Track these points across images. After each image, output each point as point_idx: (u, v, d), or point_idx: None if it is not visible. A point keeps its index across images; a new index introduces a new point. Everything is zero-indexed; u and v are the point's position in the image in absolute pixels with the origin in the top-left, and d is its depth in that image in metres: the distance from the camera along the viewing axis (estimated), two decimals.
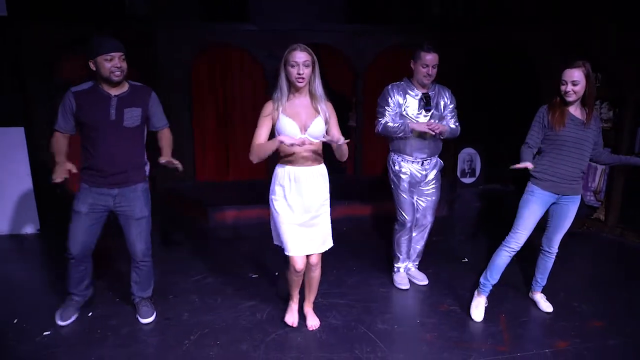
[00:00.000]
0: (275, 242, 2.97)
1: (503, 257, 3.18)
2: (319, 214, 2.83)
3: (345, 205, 5.25)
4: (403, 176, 3.49)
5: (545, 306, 3.38)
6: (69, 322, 3.10)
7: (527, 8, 5.52)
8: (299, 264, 2.83)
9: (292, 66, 2.63)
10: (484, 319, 3.23)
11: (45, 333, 3.00)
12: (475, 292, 3.34)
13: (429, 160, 3.50)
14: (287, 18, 5.90)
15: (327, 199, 2.89)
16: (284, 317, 3.18)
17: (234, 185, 6.24)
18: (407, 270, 3.86)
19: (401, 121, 3.33)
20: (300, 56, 2.62)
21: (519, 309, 3.40)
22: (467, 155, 6.72)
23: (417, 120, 3.37)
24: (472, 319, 3.23)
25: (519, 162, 3.03)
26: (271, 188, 2.85)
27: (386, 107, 3.37)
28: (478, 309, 3.26)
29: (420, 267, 3.90)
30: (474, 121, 4.56)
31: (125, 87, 2.89)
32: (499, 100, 6.11)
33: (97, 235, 3.03)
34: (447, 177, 6.53)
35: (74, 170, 2.78)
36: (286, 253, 2.84)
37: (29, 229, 4.91)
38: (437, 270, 3.98)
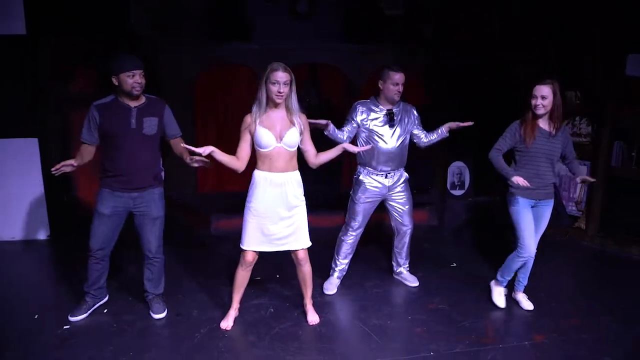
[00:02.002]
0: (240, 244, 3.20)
1: (517, 264, 3.52)
2: (292, 215, 3.11)
3: (343, 216, 5.54)
4: (363, 187, 3.77)
5: (527, 305, 3.67)
6: (77, 319, 3.35)
7: (512, 29, 5.94)
8: (250, 257, 3.14)
9: (273, 84, 2.94)
10: (469, 315, 3.52)
11: (65, 327, 3.26)
12: (493, 283, 3.69)
13: (392, 174, 3.79)
14: (287, 38, 6.24)
15: (303, 201, 3.18)
16: (286, 314, 3.47)
17: (233, 196, 6.50)
18: (399, 273, 4.15)
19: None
20: (282, 76, 2.94)
21: (503, 308, 3.67)
22: (457, 169, 7.03)
23: (381, 134, 3.67)
24: (497, 307, 3.62)
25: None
26: (249, 190, 3.13)
27: (350, 120, 3.70)
28: (501, 296, 3.65)
29: (411, 271, 4.18)
30: (463, 135, 4.85)
31: (142, 100, 3.21)
32: (487, 116, 6.47)
33: (116, 235, 3.32)
34: (437, 189, 6.86)
35: (74, 164, 3.10)
36: (241, 246, 3.13)
37: (40, 235, 5.15)
38: (427, 274, 4.25)
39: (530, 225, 3.43)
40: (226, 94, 6.39)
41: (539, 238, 3.56)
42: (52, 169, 3.08)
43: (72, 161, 3.10)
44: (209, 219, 5.54)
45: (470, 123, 3.56)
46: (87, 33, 5.38)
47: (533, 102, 3.28)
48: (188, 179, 6.49)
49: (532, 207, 3.46)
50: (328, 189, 6.44)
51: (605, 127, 5.19)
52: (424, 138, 3.80)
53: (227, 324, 3.29)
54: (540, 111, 3.28)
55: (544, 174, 3.36)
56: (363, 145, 3.68)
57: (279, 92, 2.94)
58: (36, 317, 3.39)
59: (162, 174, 3.38)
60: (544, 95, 3.25)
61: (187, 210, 6.00)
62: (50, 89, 5.40)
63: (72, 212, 5.66)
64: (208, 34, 6.33)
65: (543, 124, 3.35)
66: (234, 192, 6.59)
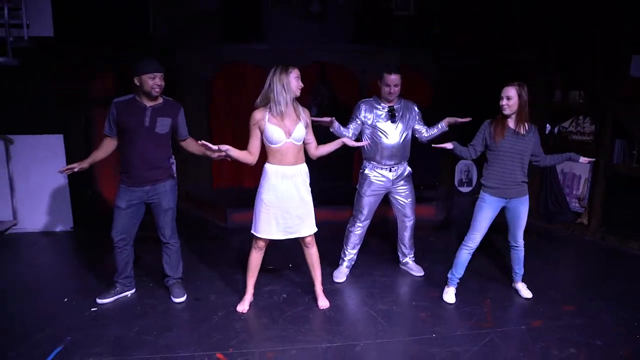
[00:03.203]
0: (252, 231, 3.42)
1: (464, 255, 3.71)
2: (302, 205, 3.34)
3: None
4: (368, 180, 3.98)
5: (526, 293, 3.85)
6: (105, 301, 3.61)
7: (512, 29, 6.11)
8: (263, 242, 3.39)
9: (297, 79, 3.21)
10: (471, 302, 3.72)
11: (92, 309, 3.52)
12: (446, 285, 3.83)
13: (396, 167, 4.00)
14: (299, 39, 6.48)
15: (309, 191, 3.41)
16: (298, 299, 3.70)
17: (245, 192, 6.76)
18: (405, 264, 4.36)
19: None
20: (299, 73, 3.24)
21: (502, 296, 3.86)
22: (464, 166, 7.20)
23: (384, 130, 3.88)
24: (447, 303, 3.73)
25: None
26: (261, 183, 3.36)
27: (355, 118, 3.93)
28: (449, 294, 3.77)
29: (417, 262, 4.38)
30: (470, 133, 5.02)
31: (159, 100, 3.46)
32: (490, 116, 6.64)
33: (136, 225, 3.59)
34: (445, 186, 7.05)
35: (75, 169, 3.36)
36: (255, 233, 3.35)
37: (63, 227, 5.45)
38: (432, 265, 4.45)
39: (485, 221, 3.61)
40: (240, 93, 6.63)
41: (522, 232, 3.73)
42: (58, 170, 3.41)
43: (75, 165, 3.37)
44: (225, 213, 5.79)
45: (468, 119, 3.76)
46: (108, 37, 5.65)
47: (500, 102, 3.47)
48: (204, 176, 6.76)
49: (504, 207, 3.64)
50: (340, 184, 6.67)
51: (607, 126, 5.34)
52: (425, 133, 4.00)
53: (243, 307, 3.52)
54: (506, 111, 3.47)
55: (514, 172, 3.52)
56: (367, 142, 3.89)
57: (302, 86, 3.25)
58: (65, 300, 3.66)
59: (174, 166, 3.63)
60: (509, 96, 3.43)
61: (204, 204, 6.27)
62: (74, 88, 5.68)
63: (94, 207, 5.95)
64: (222, 35, 6.58)
65: (512, 123, 3.52)
66: (247, 188, 6.88)
